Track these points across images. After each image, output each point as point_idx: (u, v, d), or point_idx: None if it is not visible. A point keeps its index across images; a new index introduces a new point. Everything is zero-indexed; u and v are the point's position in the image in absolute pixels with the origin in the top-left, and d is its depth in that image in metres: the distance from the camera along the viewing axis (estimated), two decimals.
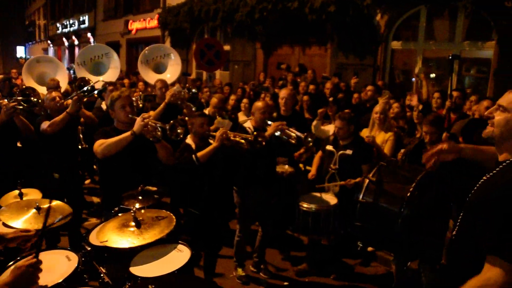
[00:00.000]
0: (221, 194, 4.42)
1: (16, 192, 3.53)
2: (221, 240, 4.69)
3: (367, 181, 3.38)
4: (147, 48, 9.02)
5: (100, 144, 3.48)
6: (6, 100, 4.64)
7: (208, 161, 4.05)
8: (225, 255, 5.20)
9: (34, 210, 3.04)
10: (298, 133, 4.41)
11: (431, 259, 4.26)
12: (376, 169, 3.46)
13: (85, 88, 5.22)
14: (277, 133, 4.45)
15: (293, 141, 4.49)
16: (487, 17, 7.98)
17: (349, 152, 4.74)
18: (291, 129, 4.51)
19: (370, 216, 3.29)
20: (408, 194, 3.13)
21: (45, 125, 4.64)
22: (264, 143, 4.11)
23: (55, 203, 3.21)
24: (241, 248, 4.98)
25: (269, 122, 4.58)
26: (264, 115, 4.64)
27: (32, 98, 5.07)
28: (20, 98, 5.17)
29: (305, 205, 4.50)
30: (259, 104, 4.76)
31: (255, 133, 4.13)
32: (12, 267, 2.45)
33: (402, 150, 5.00)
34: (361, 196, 3.33)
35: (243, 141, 4.08)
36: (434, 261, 4.50)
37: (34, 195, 3.60)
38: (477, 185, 2.07)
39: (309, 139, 4.40)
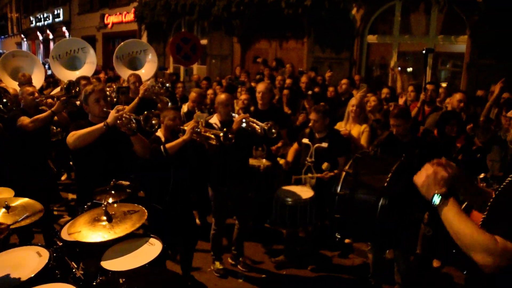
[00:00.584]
0: (190, 189, 4.37)
1: None
2: (195, 235, 4.65)
3: (344, 173, 3.42)
4: (123, 42, 8.88)
5: (72, 135, 3.44)
6: None
7: (176, 155, 3.99)
8: (203, 249, 5.21)
9: (3, 209, 2.99)
10: (262, 124, 4.42)
11: (406, 248, 4.37)
12: (351, 161, 3.50)
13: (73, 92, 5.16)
14: (244, 125, 4.46)
15: (259, 132, 4.50)
16: (459, 12, 8.13)
17: (324, 145, 4.78)
18: (255, 120, 4.51)
19: (349, 208, 3.34)
20: (386, 184, 3.18)
21: (24, 120, 4.58)
22: (233, 140, 4.07)
23: (23, 200, 3.17)
24: (217, 241, 4.98)
25: (235, 115, 4.59)
26: (227, 108, 4.64)
27: (4, 100, 4.98)
28: None
29: (281, 198, 4.52)
30: (221, 97, 4.71)
31: (224, 129, 4.08)
32: None
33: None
34: (339, 189, 3.37)
35: (213, 136, 4.04)
36: (409, 251, 4.62)
37: (6, 194, 3.52)
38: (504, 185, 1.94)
39: (273, 130, 4.42)
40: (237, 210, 5.00)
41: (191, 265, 4.65)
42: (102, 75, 10.69)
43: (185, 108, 6.43)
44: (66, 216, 6.44)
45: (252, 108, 5.75)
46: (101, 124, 3.42)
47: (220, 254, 5.03)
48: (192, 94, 6.26)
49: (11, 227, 2.75)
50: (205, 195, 5.00)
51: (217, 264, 4.97)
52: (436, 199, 1.82)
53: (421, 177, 1.90)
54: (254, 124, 4.46)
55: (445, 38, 8.74)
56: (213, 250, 5.00)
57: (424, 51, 6.15)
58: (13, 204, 3.11)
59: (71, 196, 7.31)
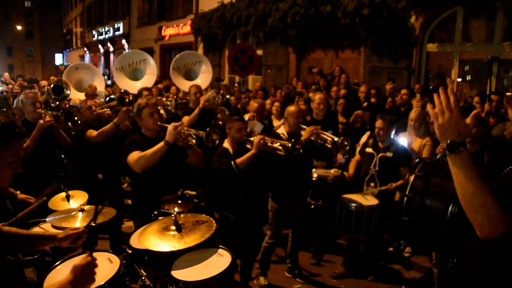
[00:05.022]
0: (258, 199, 4.39)
1: (63, 194, 3.64)
2: (257, 245, 4.66)
3: (413, 176, 3.37)
4: (179, 54, 9.14)
5: (136, 160, 3.49)
6: (49, 116, 4.79)
7: (247, 167, 3.98)
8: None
9: (80, 213, 3.15)
10: (335, 137, 4.39)
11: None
12: (421, 164, 3.44)
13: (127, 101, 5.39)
14: (312, 138, 4.43)
15: (329, 145, 4.47)
16: None
17: (389, 154, 4.74)
18: (326, 133, 4.49)
19: (417, 211, 3.27)
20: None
21: (92, 133, 4.78)
22: (301, 150, 4.05)
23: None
24: (268, 255, 4.87)
25: (303, 127, 4.56)
26: (297, 120, 4.60)
27: (75, 118, 5.26)
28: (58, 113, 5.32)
29: (347, 204, 4.51)
30: (292, 108, 4.71)
31: (292, 140, 4.06)
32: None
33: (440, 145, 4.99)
34: (407, 191, 3.31)
35: (280, 147, 4.02)
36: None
37: (81, 197, 3.70)
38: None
39: (345, 143, 4.39)
40: (294, 222, 4.97)
41: (251, 275, 4.65)
42: (160, 86, 10.99)
43: (246, 118, 6.49)
44: (126, 222, 6.64)
45: (308, 118, 5.74)
46: (162, 144, 3.45)
47: (267, 269, 4.90)
48: (254, 104, 6.29)
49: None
50: (264, 206, 5.00)
51: (262, 280, 4.81)
52: (452, 146, 1.68)
53: (442, 116, 1.70)
54: (325, 137, 4.44)
55: (511, 45, 8.34)
56: (261, 263, 4.84)
57: (488, 59, 5.88)
58: (87, 208, 3.28)
59: (130, 202, 7.54)
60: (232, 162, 3.94)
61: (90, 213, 3.22)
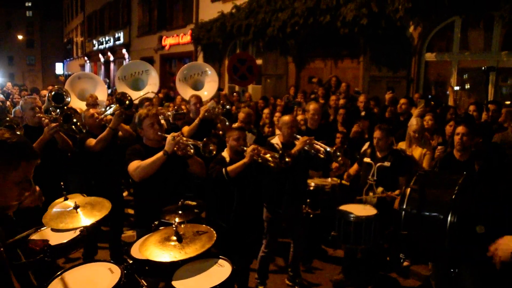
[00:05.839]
0: (253, 209, 4.38)
1: (62, 199, 3.64)
2: (252, 254, 4.64)
3: (409, 190, 3.38)
4: (185, 66, 9.15)
5: (135, 168, 3.58)
6: (48, 119, 4.81)
7: (239, 175, 4.01)
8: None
9: (73, 210, 3.13)
10: (327, 148, 4.41)
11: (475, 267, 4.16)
12: (415, 177, 3.45)
13: (126, 103, 5.39)
14: (306, 147, 4.45)
15: (321, 156, 4.48)
16: None
17: (387, 164, 4.74)
18: (319, 143, 4.50)
19: (415, 225, 3.28)
20: (453, 197, 3.10)
21: (91, 142, 4.78)
22: (290, 162, 4.04)
23: (90, 199, 3.32)
24: (266, 264, 4.89)
25: (298, 137, 4.57)
26: (291, 130, 4.62)
27: (74, 120, 5.29)
28: (57, 115, 5.35)
29: (345, 215, 4.50)
30: (286, 118, 4.72)
31: (280, 151, 4.08)
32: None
33: (439, 147, 5.04)
34: (404, 205, 3.33)
35: (271, 159, 4.03)
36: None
37: (79, 199, 3.69)
38: None
39: (338, 153, 4.40)
40: (293, 231, 4.98)
41: (247, 285, 4.64)
42: (160, 95, 11.03)
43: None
44: (127, 232, 6.64)
45: (303, 128, 5.77)
46: (161, 153, 3.54)
47: (266, 278, 4.92)
48: (241, 114, 6.26)
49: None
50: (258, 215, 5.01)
51: None
52: None
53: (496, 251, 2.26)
54: (318, 147, 4.46)
55: (509, 54, 8.40)
56: (259, 273, 4.87)
57: (484, 69, 5.96)
58: (81, 204, 3.21)
59: (131, 211, 7.55)
60: (223, 169, 3.98)
61: (86, 208, 3.20)
